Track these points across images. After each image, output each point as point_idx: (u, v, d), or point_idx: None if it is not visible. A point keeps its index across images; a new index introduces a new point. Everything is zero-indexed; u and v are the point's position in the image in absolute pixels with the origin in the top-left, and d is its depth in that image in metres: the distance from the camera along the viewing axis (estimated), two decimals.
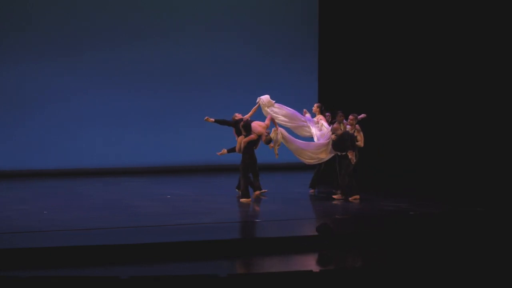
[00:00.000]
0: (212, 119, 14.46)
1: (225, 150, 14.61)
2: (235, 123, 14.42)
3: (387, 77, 19.02)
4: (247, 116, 14.42)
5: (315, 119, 14.82)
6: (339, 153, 14.25)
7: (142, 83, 18.71)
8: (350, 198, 14.19)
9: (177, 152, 18.74)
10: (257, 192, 14.34)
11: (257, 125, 14.19)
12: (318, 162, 14.78)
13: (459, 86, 18.27)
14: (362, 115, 14.52)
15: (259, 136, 14.15)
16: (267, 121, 14.40)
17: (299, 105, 19.24)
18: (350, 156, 14.08)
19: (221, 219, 12.51)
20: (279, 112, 14.65)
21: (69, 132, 18.24)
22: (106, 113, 18.44)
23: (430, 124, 18.57)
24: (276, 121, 14.60)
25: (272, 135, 14.36)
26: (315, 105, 15.09)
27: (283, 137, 14.43)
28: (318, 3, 19.56)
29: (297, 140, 14.64)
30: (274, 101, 14.65)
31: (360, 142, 14.21)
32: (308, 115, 14.94)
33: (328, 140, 14.34)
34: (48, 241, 10.64)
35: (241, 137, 14.17)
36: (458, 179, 17.07)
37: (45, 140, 18.12)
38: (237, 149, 14.25)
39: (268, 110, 14.55)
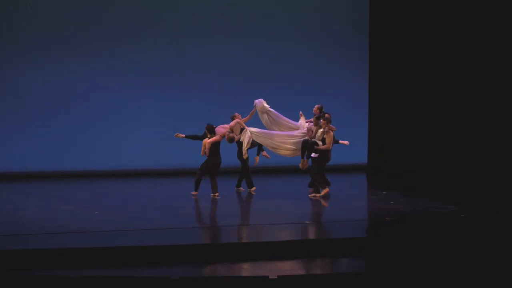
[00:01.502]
0: (183, 135, 14.80)
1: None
2: (202, 137, 14.71)
3: (438, 80, 18.80)
4: (245, 119, 15.02)
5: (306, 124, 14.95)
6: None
7: (179, 84, 18.51)
8: (321, 193, 14.48)
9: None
10: (215, 194, 14.53)
11: (221, 128, 14.59)
12: (290, 155, 14.99)
13: (478, 86, 18.08)
14: (346, 142, 15.00)
15: (224, 137, 14.49)
16: (232, 123, 14.76)
17: (349, 108, 19.25)
18: (300, 165, 14.60)
19: (268, 220, 12.54)
20: (272, 117, 15.04)
21: (113, 132, 18.22)
22: (152, 114, 18.42)
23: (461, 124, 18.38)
24: (267, 125, 15.04)
25: (242, 137, 14.71)
26: (316, 106, 15.08)
27: (256, 136, 14.73)
28: (369, 4, 19.37)
29: (271, 132, 14.89)
30: (268, 106, 15.03)
31: (327, 145, 14.27)
32: (302, 118, 15.00)
33: (301, 133, 14.73)
34: (99, 241, 10.76)
35: (205, 140, 14.43)
36: (479, 180, 16.88)
37: (89, 141, 18.14)
38: (202, 152, 14.45)
39: (262, 115, 15.04)
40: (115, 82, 18.30)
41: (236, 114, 15.12)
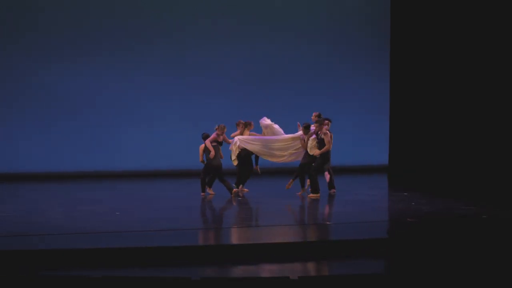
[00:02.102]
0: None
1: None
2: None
3: (459, 81, 18.68)
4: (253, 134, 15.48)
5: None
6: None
7: (179, 84, 18.65)
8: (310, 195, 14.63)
9: None
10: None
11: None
12: (283, 161, 15.24)
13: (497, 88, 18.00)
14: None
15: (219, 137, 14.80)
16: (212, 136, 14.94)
17: (370, 109, 19.18)
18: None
19: (286, 221, 12.52)
20: (273, 131, 15.29)
21: (113, 133, 18.35)
22: (151, 114, 18.53)
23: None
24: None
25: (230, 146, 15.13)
26: (314, 114, 15.08)
27: (244, 142, 15.02)
28: (390, 5, 19.28)
29: (259, 138, 15.21)
30: (271, 123, 15.35)
31: (327, 146, 14.32)
32: (300, 129, 15.05)
33: (291, 138, 14.97)
34: (120, 242, 10.78)
35: (201, 146, 14.69)
36: (502, 180, 16.75)
37: (111, 142, 18.30)
38: (200, 158, 14.74)
39: (265, 130, 15.38)
40: (115, 82, 18.42)
41: (245, 122, 15.39)
